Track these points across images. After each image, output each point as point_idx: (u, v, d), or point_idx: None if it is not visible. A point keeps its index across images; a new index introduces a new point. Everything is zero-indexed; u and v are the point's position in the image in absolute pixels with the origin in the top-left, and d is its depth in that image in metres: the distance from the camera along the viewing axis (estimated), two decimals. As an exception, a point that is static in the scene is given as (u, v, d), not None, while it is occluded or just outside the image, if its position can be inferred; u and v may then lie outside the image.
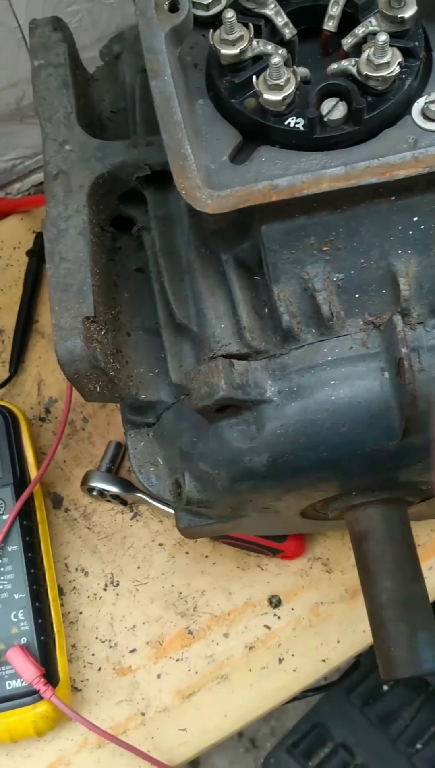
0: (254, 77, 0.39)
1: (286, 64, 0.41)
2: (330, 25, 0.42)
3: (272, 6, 0.41)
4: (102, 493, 0.69)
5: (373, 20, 0.40)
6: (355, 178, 0.37)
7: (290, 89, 0.38)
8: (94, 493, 0.69)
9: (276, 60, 0.37)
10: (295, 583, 0.68)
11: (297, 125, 0.39)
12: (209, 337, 0.43)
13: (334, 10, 0.41)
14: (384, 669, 0.49)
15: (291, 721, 1.57)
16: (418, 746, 1.36)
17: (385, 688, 1.56)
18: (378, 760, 1.50)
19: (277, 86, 0.38)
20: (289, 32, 0.41)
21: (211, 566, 0.69)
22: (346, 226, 0.40)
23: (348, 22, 0.42)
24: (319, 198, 0.39)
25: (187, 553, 0.69)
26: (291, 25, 0.41)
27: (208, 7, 0.42)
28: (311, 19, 0.42)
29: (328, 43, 0.43)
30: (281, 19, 0.41)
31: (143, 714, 0.65)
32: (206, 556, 0.69)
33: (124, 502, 0.70)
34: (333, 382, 0.42)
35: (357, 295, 0.42)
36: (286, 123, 0.39)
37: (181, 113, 0.39)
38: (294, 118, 0.39)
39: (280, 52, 0.41)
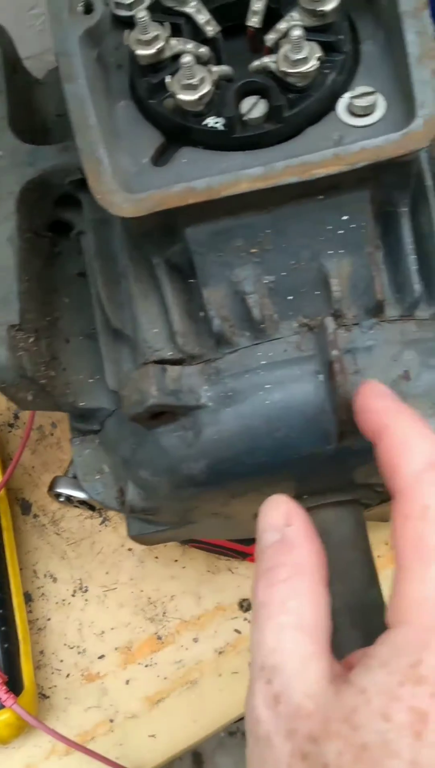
0: (169, 77, 0.38)
1: (207, 62, 0.40)
2: (254, 21, 0.40)
3: (193, 4, 0.40)
4: (69, 499, 0.68)
5: (295, 14, 0.39)
6: (273, 178, 0.36)
7: (206, 88, 0.37)
8: (62, 499, 0.68)
9: (187, 59, 0.36)
10: (265, 586, 0.68)
11: (216, 125, 0.38)
12: (142, 342, 0.43)
13: (257, 5, 0.40)
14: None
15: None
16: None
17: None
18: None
19: (191, 86, 0.37)
20: (211, 29, 0.40)
21: (180, 571, 0.68)
22: (274, 226, 0.39)
23: (273, 16, 0.40)
24: (243, 198, 0.38)
25: (156, 558, 0.69)
26: (213, 22, 0.40)
27: (129, 7, 0.41)
28: (236, 15, 0.41)
29: (255, 40, 0.41)
30: (203, 17, 0.40)
31: (112, 720, 0.64)
32: (176, 561, 0.69)
33: (92, 508, 0.69)
34: (267, 386, 0.41)
35: (290, 297, 0.41)
36: (204, 123, 0.38)
37: (99, 116, 0.38)
38: (213, 117, 0.38)
39: (200, 50, 0.39)
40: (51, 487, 0.69)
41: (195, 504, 0.47)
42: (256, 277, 0.41)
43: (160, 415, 0.42)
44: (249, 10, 0.40)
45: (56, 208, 0.47)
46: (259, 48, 0.42)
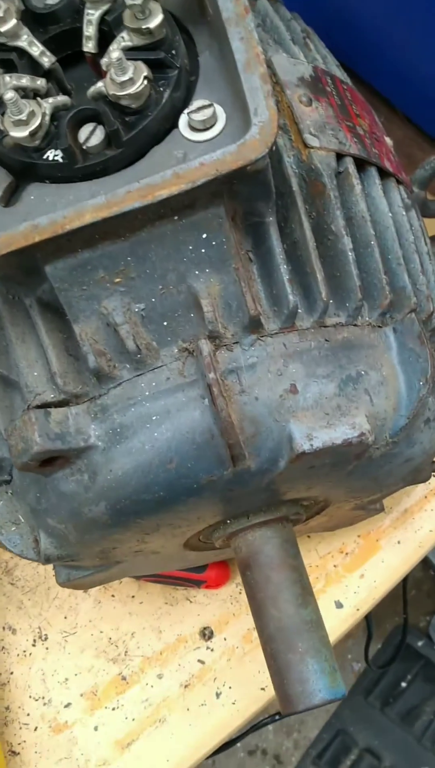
0: (0, 116, 0.37)
1: (46, 94, 0.39)
2: (90, 47, 0.39)
3: (25, 37, 0.39)
4: (17, 547, 0.67)
5: (125, 35, 0.38)
6: (117, 205, 0.35)
7: (36, 122, 0.36)
8: (10, 548, 0.67)
9: (9, 95, 0.35)
10: (225, 611, 0.66)
11: (56, 158, 0.37)
12: (24, 387, 0.41)
13: (90, 30, 0.39)
14: (281, 704, 0.46)
15: (313, 732, 1.54)
16: (445, 741, 1.32)
17: (403, 684, 1.52)
18: (406, 760, 1.47)
19: (21, 121, 0.36)
20: (47, 60, 0.39)
21: (138, 606, 0.67)
22: (133, 253, 0.38)
23: (109, 39, 0.39)
24: (96, 229, 0.36)
25: (112, 596, 0.67)
26: (48, 54, 0.39)
27: (-38, 47, 0.40)
28: (73, 43, 0.40)
29: (97, 65, 0.40)
30: (37, 49, 0.39)
31: (84, 770, 0.63)
32: (132, 597, 0.67)
33: (42, 552, 0.68)
34: (154, 417, 0.40)
35: (165, 323, 0.40)
36: (45, 157, 0.37)
37: None
38: (53, 150, 0.37)
39: (37, 83, 0.38)
40: None
41: (111, 545, 0.45)
42: (126, 307, 0.39)
43: (52, 461, 0.41)
44: (83, 36, 0.39)
45: None
46: (103, 72, 0.41)
